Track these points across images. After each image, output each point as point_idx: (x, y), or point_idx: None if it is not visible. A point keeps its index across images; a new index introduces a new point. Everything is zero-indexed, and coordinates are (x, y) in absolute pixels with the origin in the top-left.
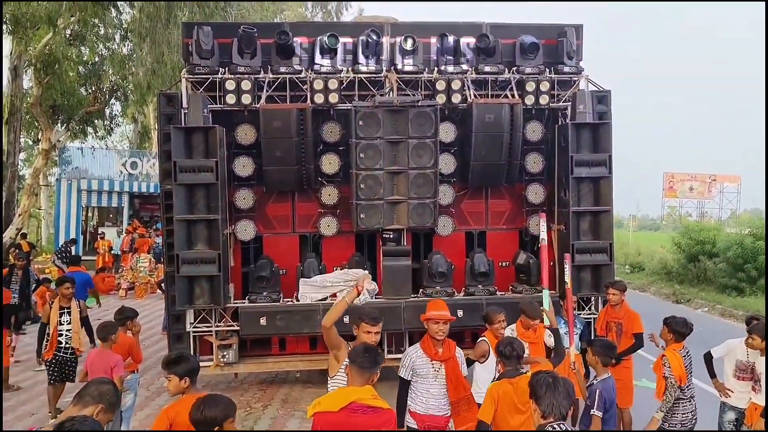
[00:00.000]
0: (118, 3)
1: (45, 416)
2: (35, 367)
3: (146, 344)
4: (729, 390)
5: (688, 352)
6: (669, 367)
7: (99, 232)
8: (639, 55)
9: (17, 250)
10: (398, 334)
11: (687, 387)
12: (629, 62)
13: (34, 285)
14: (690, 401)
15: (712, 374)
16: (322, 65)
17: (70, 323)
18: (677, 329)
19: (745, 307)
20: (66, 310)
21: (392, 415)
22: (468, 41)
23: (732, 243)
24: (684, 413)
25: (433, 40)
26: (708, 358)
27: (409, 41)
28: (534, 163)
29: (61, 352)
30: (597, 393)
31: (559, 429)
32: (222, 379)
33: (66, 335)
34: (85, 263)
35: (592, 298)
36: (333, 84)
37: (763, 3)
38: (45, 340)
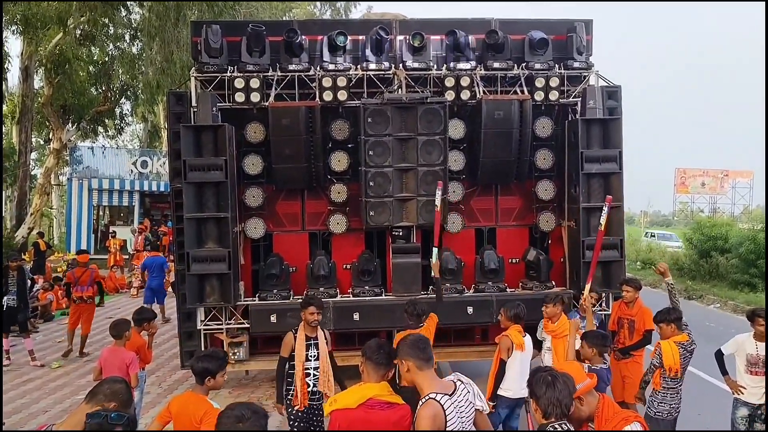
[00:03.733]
0: (128, 3)
1: (58, 413)
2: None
3: (157, 342)
4: (741, 387)
5: (692, 343)
6: (660, 355)
7: (110, 230)
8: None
9: (34, 247)
10: None
11: (680, 378)
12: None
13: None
14: (679, 392)
15: (724, 371)
16: (330, 63)
17: (317, 358)
18: (671, 318)
19: (758, 302)
20: (313, 342)
21: (408, 410)
22: (477, 37)
23: (744, 238)
24: (671, 404)
25: (442, 36)
26: (719, 355)
27: (418, 38)
28: (544, 159)
29: (309, 398)
30: None
31: (560, 429)
32: (233, 376)
33: (314, 374)
34: (97, 261)
35: (603, 295)
36: (341, 81)
37: (763, 3)
38: (285, 382)
